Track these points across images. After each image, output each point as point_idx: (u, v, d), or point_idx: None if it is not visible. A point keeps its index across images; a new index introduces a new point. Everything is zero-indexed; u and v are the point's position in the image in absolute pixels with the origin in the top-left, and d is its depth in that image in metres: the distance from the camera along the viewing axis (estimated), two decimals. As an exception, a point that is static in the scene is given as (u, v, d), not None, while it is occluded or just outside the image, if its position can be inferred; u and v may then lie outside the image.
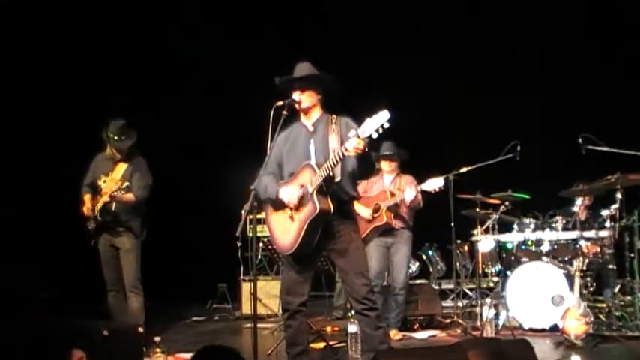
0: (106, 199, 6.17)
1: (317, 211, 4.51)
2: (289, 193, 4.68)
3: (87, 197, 6.37)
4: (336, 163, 4.47)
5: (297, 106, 4.78)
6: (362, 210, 6.61)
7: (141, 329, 5.06)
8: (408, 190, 6.56)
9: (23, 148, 8.50)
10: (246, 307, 8.48)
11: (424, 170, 7.15)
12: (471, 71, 9.59)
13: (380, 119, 4.18)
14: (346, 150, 4.35)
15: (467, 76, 9.63)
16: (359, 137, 4.29)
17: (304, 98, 4.79)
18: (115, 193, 6.13)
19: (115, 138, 6.32)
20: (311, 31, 10.05)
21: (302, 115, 4.91)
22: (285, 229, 4.74)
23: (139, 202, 6.33)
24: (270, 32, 10.06)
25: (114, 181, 6.22)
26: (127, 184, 6.29)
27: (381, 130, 4.19)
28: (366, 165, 4.66)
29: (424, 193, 6.61)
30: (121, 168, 6.39)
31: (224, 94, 10.22)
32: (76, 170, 6.70)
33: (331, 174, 4.52)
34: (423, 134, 9.44)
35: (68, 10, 8.83)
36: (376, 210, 6.73)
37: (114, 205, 6.25)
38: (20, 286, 7.61)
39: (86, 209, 6.34)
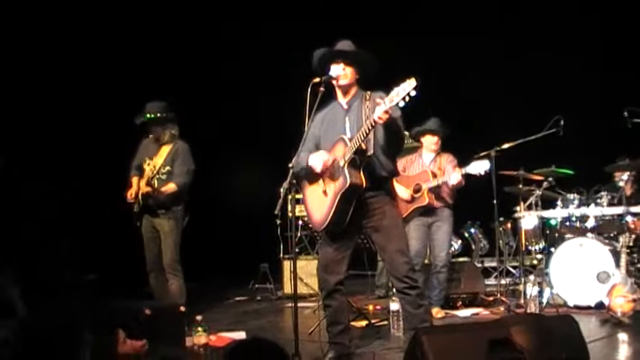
0: (145, 189, 6.23)
1: (347, 184, 4.47)
2: (316, 158, 4.67)
3: (134, 180, 6.43)
4: (365, 134, 4.42)
5: (334, 82, 4.73)
6: (401, 190, 6.54)
7: (183, 308, 5.11)
8: (455, 174, 6.42)
9: (73, 133, 8.64)
10: (288, 287, 8.52)
11: (466, 147, 7.08)
12: (513, 45, 9.42)
13: (407, 87, 4.10)
14: (374, 119, 4.30)
15: (508, 51, 9.47)
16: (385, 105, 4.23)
17: (346, 74, 4.73)
18: (154, 182, 6.20)
19: (149, 116, 6.37)
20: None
21: (338, 94, 4.87)
22: (319, 204, 4.72)
23: (180, 189, 6.37)
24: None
25: (155, 165, 6.29)
26: (168, 168, 6.34)
27: (407, 99, 4.11)
28: (393, 136, 4.53)
29: (468, 175, 6.49)
30: (164, 152, 6.41)
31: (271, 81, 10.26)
32: (122, 152, 6.78)
33: (363, 146, 4.47)
34: (465, 110, 9.32)
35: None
36: (417, 190, 6.67)
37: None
38: (67, 267, 7.73)
39: (130, 193, 6.42)
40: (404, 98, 4.11)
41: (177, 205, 6.41)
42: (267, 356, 2.50)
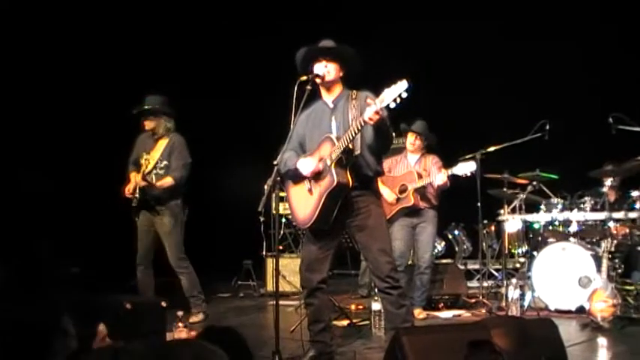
0: (142, 184, 6.22)
1: (335, 183, 4.46)
2: (305, 164, 4.65)
3: (132, 175, 6.43)
4: (354, 133, 4.40)
5: (319, 80, 4.71)
6: (386, 192, 6.55)
7: (164, 303, 5.08)
8: (441, 175, 6.44)
9: (62, 123, 8.59)
10: (271, 285, 8.52)
11: (452, 149, 7.09)
12: (500, 48, 9.45)
13: (398, 89, 4.09)
14: (364, 120, 4.28)
15: (495, 53, 9.50)
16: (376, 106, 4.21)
17: (330, 71, 4.71)
18: (151, 177, 6.20)
19: (146, 107, 6.37)
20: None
21: (323, 93, 4.85)
22: (304, 203, 4.71)
23: (178, 183, 6.36)
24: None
25: (152, 160, 6.29)
26: (165, 162, 6.34)
27: (398, 100, 4.10)
28: (382, 137, 4.53)
29: (454, 176, 6.50)
30: (161, 145, 6.44)
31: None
32: (114, 148, 6.76)
33: (350, 146, 4.46)
34: (451, 112, 9.34)
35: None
36: (402, 191, 6.68)
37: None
38: (52, 261, 7.68)
39: (128, 188, 6.40)
40: (395, 99, 4.10)
41: (175, 199, 6.43)
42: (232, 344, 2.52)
